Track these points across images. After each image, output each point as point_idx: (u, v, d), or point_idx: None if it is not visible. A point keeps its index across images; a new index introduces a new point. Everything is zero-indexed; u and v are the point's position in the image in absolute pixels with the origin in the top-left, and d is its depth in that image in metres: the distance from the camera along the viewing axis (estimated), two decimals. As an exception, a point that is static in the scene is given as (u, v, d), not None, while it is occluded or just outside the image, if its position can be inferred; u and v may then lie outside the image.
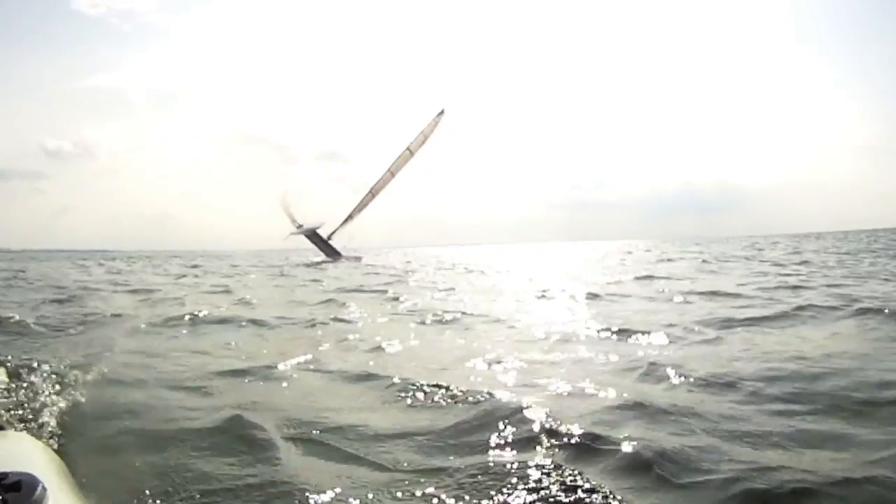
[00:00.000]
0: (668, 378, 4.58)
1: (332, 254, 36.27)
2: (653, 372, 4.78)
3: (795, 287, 11.14)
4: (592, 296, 11.09)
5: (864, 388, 4.06)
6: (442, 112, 39.14)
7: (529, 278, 17.42)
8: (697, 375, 4.54)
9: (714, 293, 10.60)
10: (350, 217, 37.16)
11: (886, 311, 7.08)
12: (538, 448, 3.16)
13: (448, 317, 8.53)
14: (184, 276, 20.67)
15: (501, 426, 3.44)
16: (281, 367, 5.23)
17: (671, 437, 3.23)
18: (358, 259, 34.35)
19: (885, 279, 12.07)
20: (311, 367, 5.36)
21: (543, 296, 11.71)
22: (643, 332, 6.57)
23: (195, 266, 28.44)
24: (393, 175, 38.11)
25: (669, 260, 26.16)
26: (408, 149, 38.43)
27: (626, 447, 3.04)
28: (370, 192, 37.55)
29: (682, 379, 4.51)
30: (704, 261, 23.03)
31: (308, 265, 30.23)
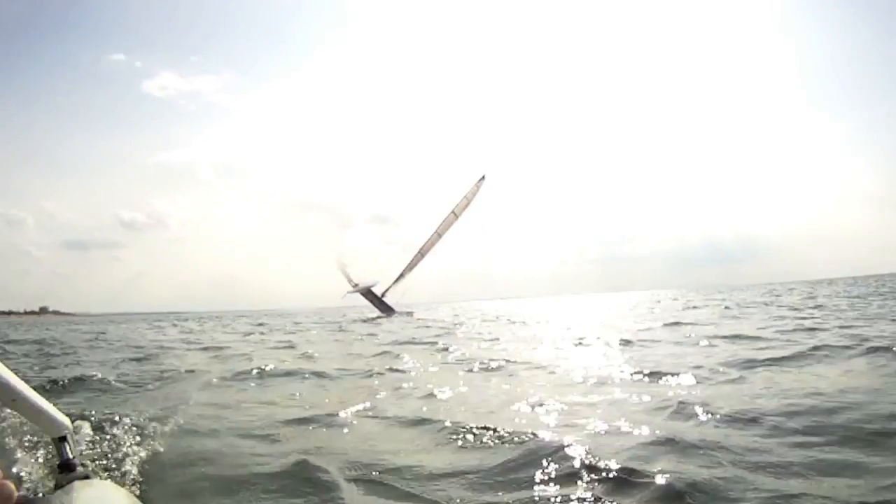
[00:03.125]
0: (697, 415, 4.64)
1: (386, 310, 36.59)
2: (682, 410, 4.84)
3: (811, 329, 11.19)
4: (625, 342, 10.99)
5: (876, 420, 4.14)
6: (483, 178, 39.79)
7: (567, 327, 17.20)
8: (723, 412, 4.61)
9: (736, 336, 10.67)
10: (402, 275, 37.69)
11: (894, 349, 7.18)
12: (579, 482, 3.26)
13: (493, 364, 8.56)
14: (250, 333, 21.02)
15: (545, 463, 3.55)
16: (342, 414, 5.33)
17: (701, 470, 3.31)
18: (410, 314, 34.61)
19: (893, 320, 12.08)
20: (370, 413, 5.47)
21: (580, 343, 11.63)
22: (673, 374, 6.62)
23: (260, 324, 28.89)
24: (440, 236, 38.60)
25: (695, 307, 25.58)
26: (453, 212, 38.96)
27: (660, 480, 3.12)
28: (419, 252, 38.08)
29: (709, 416, 4.58)
30: (727, 307, 22.80)
31: (364, 321, 30.51)
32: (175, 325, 34.06)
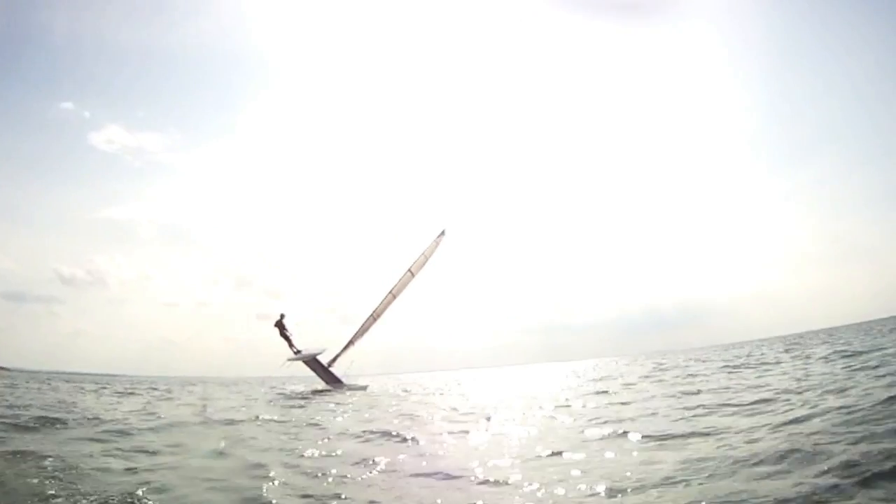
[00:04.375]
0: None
1: (333, 381, 32.89)
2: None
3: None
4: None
5: None
6: (443, 233, 37.38)
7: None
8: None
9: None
10: (351, 342, 34.11)
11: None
12: None
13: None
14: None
15: None
16: None
17: None
18: (363, 388, 30.87)
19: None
20: None
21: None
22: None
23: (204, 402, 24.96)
24: (395, 297, 35.60)
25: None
26: (409, 270, 36.19)
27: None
28: (372, 315, 34.75)
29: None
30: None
31: (311, 394, 27.08)
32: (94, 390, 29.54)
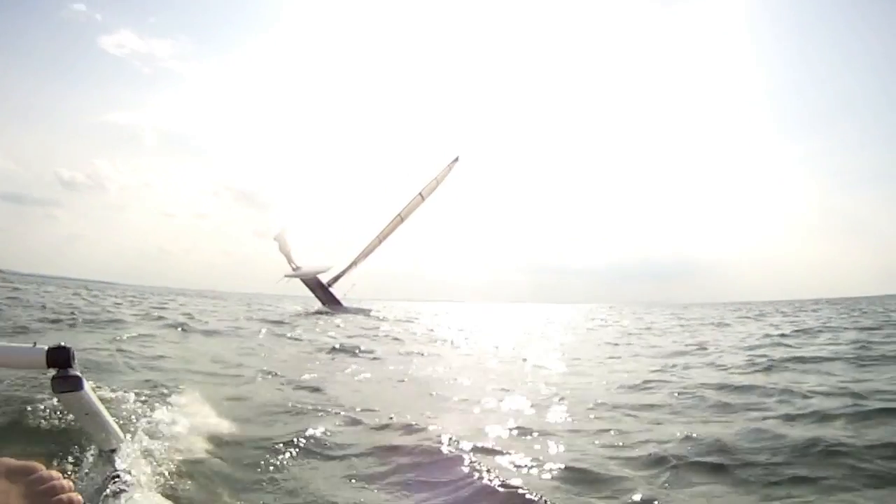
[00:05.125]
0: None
1: (332, 303, 30.58)
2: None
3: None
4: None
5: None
6: (456, 159, 34.78)
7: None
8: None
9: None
10: (354, 263, 31.69)
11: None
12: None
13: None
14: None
15: None
16: None
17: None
18: (366, 312, 28.45)
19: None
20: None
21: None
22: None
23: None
24: (402, 220, 33.09)
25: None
26: (419, 194, 33.54)
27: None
28: (378, 237, 32.22)
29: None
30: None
31: (309, 314, 24.74)
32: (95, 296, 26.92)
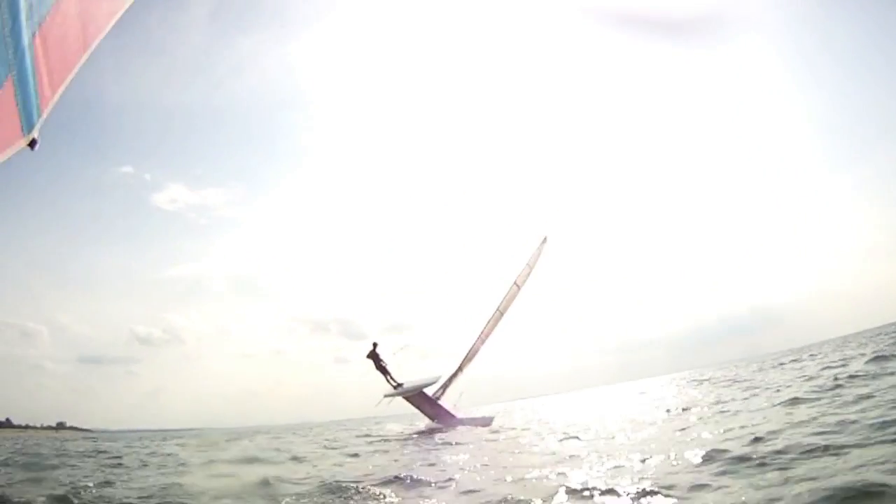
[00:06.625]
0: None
1: (444, 416, 26.83)
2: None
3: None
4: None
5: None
6: (545, 240, 31.64)
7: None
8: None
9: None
10: (460, 369, 28.11)
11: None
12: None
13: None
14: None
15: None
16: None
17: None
18: (488, 421, 24.63)
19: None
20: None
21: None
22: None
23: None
24: (502, 314, 29.69)
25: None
26: (515, 283, 30.35)
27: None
28: (480, 337, 28.82)
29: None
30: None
31: (417, 435, 21.22)
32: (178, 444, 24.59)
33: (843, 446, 6.62)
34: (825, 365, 21.65)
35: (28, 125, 3.06)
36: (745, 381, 24.94)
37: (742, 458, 6.94)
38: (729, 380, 28.74)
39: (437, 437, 19.44)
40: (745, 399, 15.62)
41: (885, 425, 7.22)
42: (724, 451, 7.54)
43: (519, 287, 30.63)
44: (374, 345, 27.69)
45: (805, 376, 18.62)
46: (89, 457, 18.65)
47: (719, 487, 5.80)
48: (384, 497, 7.52)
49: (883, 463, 5.51)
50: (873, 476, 5.06)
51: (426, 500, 7.29)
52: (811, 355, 34.76)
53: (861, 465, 5.64)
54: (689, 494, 5.71)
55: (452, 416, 26.64)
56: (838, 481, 5.04)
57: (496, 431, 19.76)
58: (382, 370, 27.41)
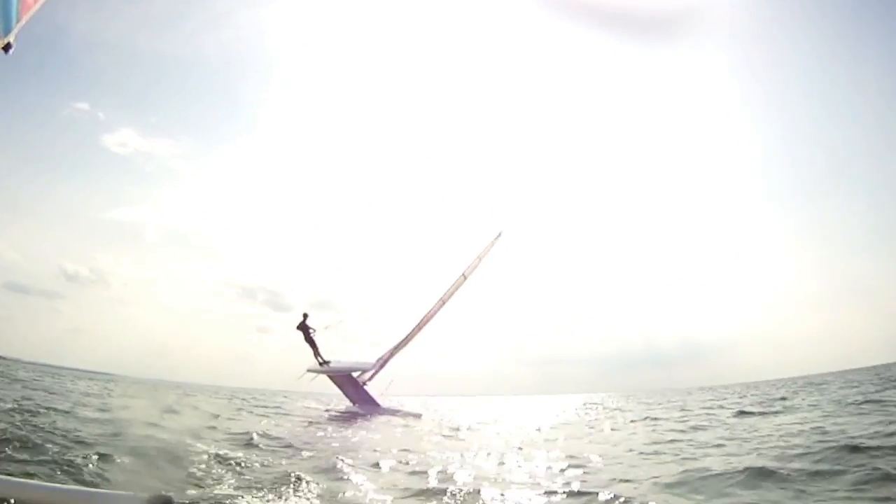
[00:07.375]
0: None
1: (366, 403, 25.36)
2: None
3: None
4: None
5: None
6: (500, 234, 30.51)
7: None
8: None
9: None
10: (391, 355, 26.66)
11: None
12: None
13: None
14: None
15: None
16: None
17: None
18: (417, 416, 23.07)
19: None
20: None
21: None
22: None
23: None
24: (444, 303, 28.39)
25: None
26: (462, 274, 29.10)
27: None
28: (418, 325, 27.40)
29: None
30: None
31: (337, 418, 19.74)
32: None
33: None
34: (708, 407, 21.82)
35: (6, 28, 3.05)
36: (628, 411, 25.44)
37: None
38: (616, 408, 29.54)
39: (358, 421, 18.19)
40: (601, 431, 16.07)
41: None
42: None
43: (465, 278, 29.45)
44: (305, 315, 26.01)
45: (680, 417, 18.34)
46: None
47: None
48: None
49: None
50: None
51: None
52: (713, 396, 35.27)
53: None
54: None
55: (377, 404, 25.26)
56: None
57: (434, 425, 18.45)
58: (311, 342, 25.80)
